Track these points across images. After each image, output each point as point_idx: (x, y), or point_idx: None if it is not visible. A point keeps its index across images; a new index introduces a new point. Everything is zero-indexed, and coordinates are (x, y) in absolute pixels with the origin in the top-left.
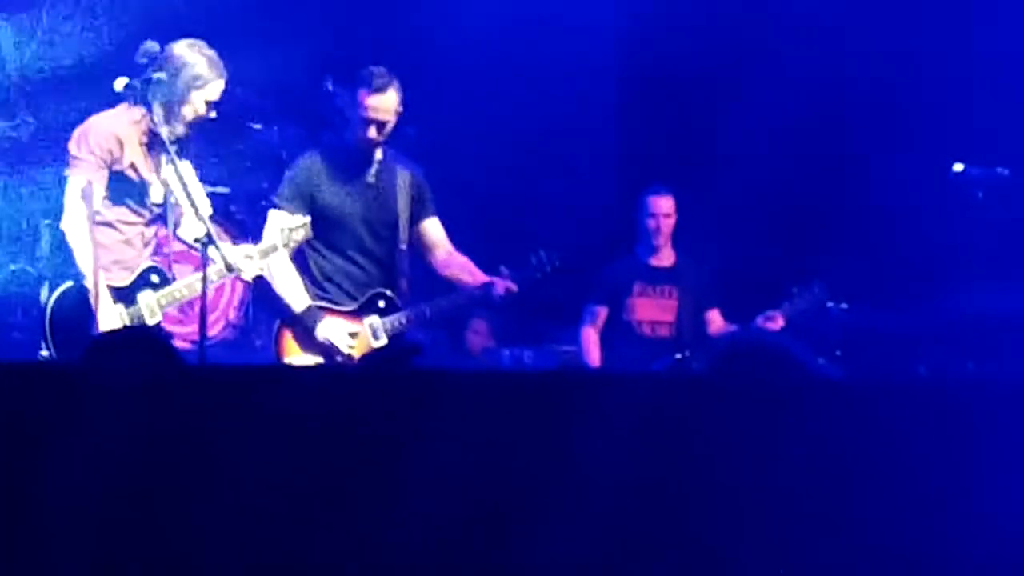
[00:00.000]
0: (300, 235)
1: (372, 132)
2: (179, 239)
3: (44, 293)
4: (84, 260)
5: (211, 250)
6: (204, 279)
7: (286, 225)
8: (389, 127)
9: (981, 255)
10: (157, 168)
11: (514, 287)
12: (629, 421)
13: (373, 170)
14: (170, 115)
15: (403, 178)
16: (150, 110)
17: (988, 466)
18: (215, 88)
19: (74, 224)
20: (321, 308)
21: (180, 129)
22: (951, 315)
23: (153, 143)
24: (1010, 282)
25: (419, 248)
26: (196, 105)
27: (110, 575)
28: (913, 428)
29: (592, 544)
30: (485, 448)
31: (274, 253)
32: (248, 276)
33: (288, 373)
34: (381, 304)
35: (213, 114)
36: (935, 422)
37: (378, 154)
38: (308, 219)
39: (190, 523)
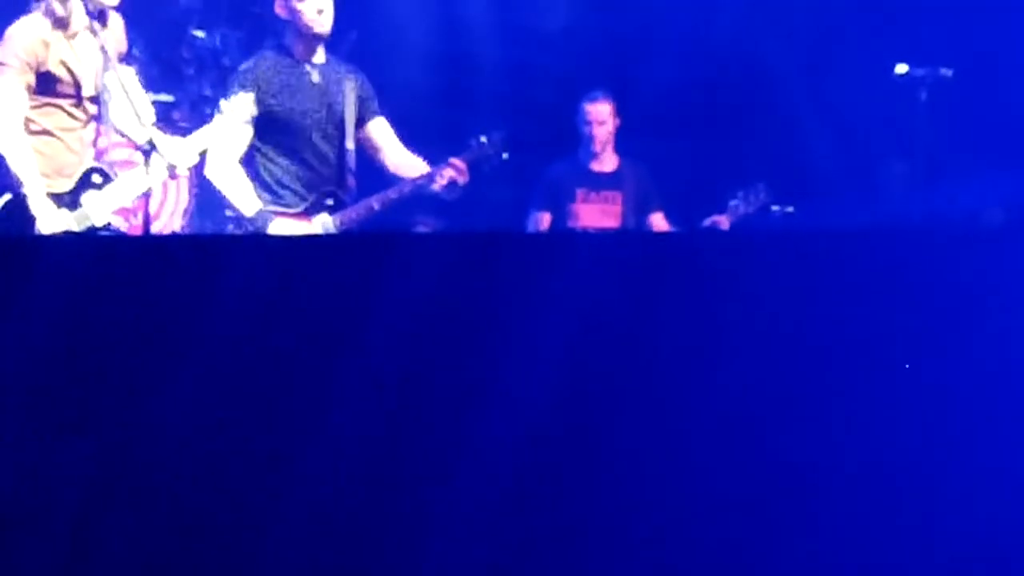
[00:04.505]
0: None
1: (312, 15)
2: (118, 132)
3: None
4: (19, 165)
5: (154, 156)
6: (148, 187)
7: (227, 107)
8: (329, 13)
9: (925, 156)
10: (88, 59)
11: (460, 175)
12: (590, 279)
13: (316, 71)
14: None
15: (348, 82)
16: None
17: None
18: None
19: (4, 130)
20: (271, 212)
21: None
22: (895, 217)
23: (73, 25)
24: (954, 183)
25: (368, 150)
26: None
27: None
28: (901, 277)
29: (555, 400)
30: (442, 311)
31: (221, 129)
32: (183, 168)
33: (239, 243)
34: (329, 202)
35: None
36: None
37: (319, 55)
38: (252, 94)
39: (146, 389)
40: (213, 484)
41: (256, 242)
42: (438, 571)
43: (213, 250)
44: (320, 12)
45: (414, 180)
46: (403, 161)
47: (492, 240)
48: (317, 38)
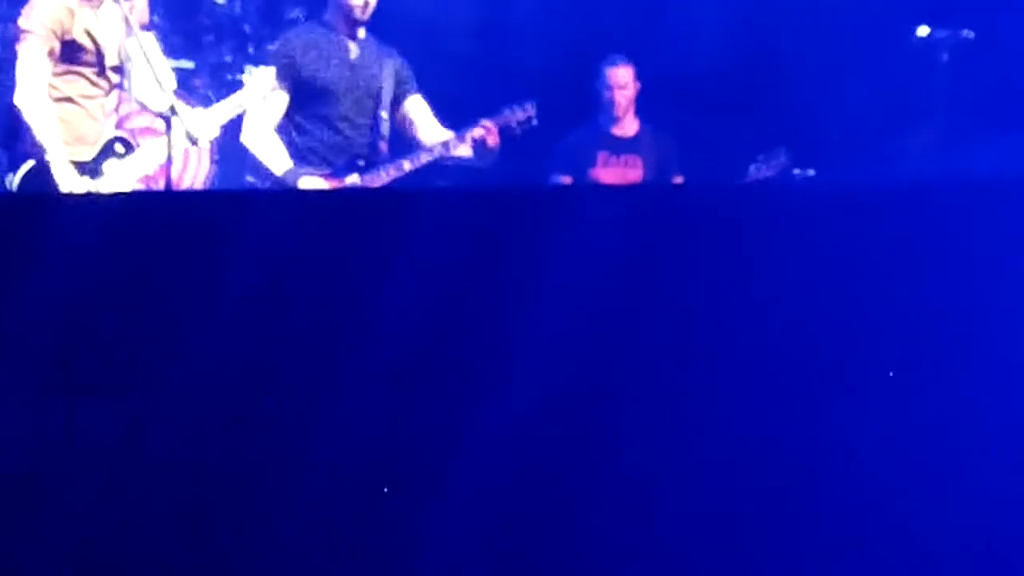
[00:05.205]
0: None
1: (357, 1)
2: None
3: (8, 178)
4: (43, 133)
5: (174, 122)
6: (169, 154)
7: (249, 80)
8: (372, 4)
9: (946, 119)
10: (112, 29)
11: (490, 135)
12: (607, 235)
13: (356, 46)
14: None
15: (387, 60)
16: None
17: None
18: None
19: (28, 96)
20: (301, 171)
21: None
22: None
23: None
24: (976, 144)
25: (404, 127)
26: None
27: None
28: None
29: (574, 358)
30: (459, 268)
31: (242, 101)
32: (204, 141)
33: (254, 198)
34: (361, 163)
35: None
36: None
37: (361, 32)
38: (275, 68)
39: (166, 347)
40: (232, 443)
41: (276, 197)
42: (459, 538)
43: (230, 205)
44: (366, 5)
45: (445, 142)
46: (438, 137)
47: (511, 195)
48: (356, 22)
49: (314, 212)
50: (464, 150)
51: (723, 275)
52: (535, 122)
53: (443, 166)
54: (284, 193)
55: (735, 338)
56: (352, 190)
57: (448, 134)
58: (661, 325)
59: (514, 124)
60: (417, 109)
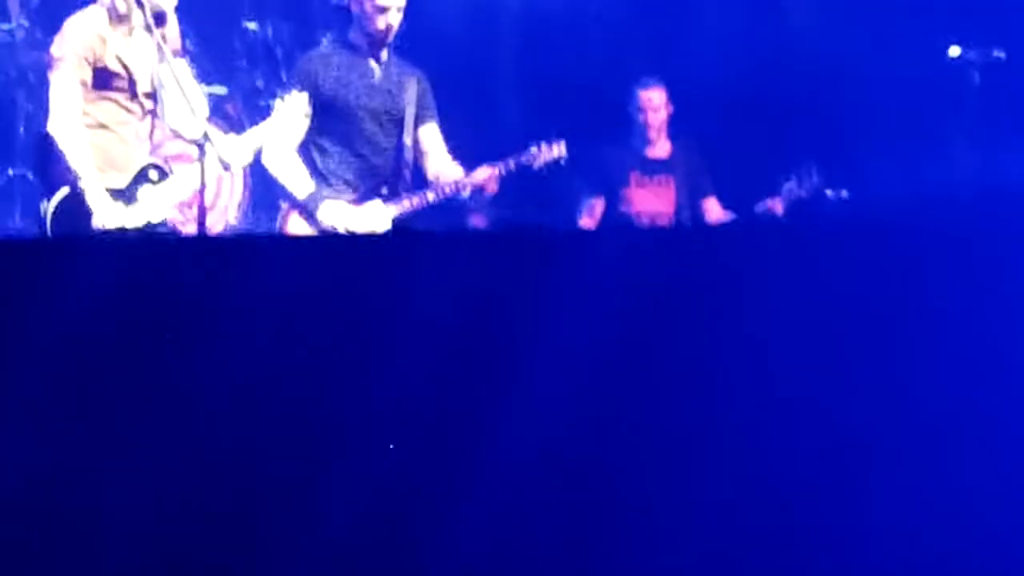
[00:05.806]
0: (302, 110)
1: (380, 24)
2: (170, 129)
3: (43, 205)
4: (76, 159)
5: (208, 148)
6: (202, 180)
7: (280, 106)
8: (389, 18)
9: (979, 140)
10: (144, 55)
11: (490, 183)
12: (613, 276)
13: (379, 68)
14: None
15: (410, 82)
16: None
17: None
18: None
19: (62, 124)
20: (324, 195)
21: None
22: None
23: (132, 21)
24: (1008, 163)
25: (415, 152)
26: None
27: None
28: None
29: (575, 406)
30: (473, 308)
31: (274, 127)
32: (237, 167)
33: (269, 242)
34: (384, 191)
35: None
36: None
37: (384, 54)
38: (306, 93)
39: (184, 389)
40: (242, 475)
41: (290, 242)
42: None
43: (242, 250)
44: (388, 27)
45: (457, 183)
46: (444, 169)
47: (526, 236)
48: (379, 43)
49: (328, 254)
50: (464, 193)
51: (736, 311)
52: (563, 162)
53: None
54: (299, 239)
55: (751, 366)
56: (362, 236)
57: (454, 167)
58: (675, 366)
59: (542, 163)
60: (430, 138)
